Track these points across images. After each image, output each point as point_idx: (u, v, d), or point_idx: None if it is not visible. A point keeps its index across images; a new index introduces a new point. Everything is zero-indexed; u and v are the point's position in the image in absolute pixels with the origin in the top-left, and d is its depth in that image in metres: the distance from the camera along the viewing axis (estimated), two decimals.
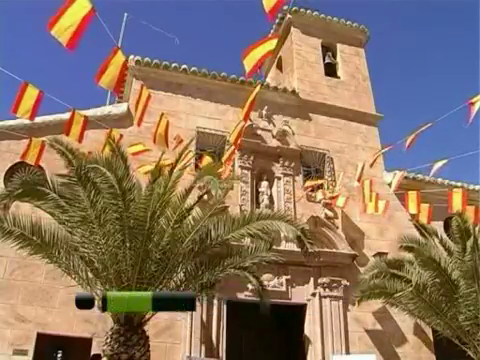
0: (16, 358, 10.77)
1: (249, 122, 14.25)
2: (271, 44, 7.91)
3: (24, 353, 10.87)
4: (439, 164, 10.54)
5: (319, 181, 14.43)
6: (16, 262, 11.15)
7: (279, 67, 18.67)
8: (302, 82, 16.41)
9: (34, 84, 8.47)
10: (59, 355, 9.91)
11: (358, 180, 13.36)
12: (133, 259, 7.54)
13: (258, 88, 8.72)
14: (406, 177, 14.40)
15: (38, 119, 11.82)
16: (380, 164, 15.71)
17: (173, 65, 14.88)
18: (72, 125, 9.34)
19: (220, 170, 10.67)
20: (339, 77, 17.47)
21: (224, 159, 11.89)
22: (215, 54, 38.69)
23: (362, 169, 13.23)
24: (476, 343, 10.76)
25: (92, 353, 9.74)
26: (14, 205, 9.21)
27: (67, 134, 9.16)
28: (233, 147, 11.59)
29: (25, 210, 8.57)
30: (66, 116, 9.69)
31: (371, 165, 13.74)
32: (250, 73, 7.99)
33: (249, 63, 7.77)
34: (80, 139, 9.35)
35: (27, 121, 9.96)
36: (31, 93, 8.32)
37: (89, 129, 11.04)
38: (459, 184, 15.47)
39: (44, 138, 9.86)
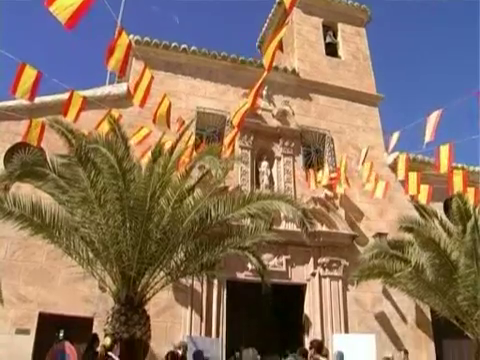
0: (19, 337, 10.87)
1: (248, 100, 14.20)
2: (282, 33, 8.03)
3: (26, 332, 10.98)
4: (444, 148, 10.42)
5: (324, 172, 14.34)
6: (17, 243, 11.19)
7: (279, 47, 18.50)
8: (302, 62, 16.30)
9: (33, 64, 8.41)
10: (61, 334, 9.99)
11: (362, 164, 13.29)
12: (133, 239, 7.55)
13: (265, 74, 8.67)
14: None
15: (37, 100, 11.73)
16: (381, 145, 15.68)
17: (173, 45, 14.78)
18: (70, 106, 9.28)
19: (224, 153, 10.69)
20: (340, 57, 17.36)
21: (227, 142, 11.90)
22: (215, 34, 38.40)
23: (366, 153, 13.12)
24: (474, 323, 10.84)
25: (93, 333, 9.81)
26: (14, 186, 9.20)
27: (65, 115, 9.10)
28: (236, 129, 11.58)
29: (25, 191, 8.55)
30: (65, 97, 9.63)
31: (389, 151, 13.51)
32: (270, 68, 8.15)
33: (268, 58, 7.95)
34: (76, 119, 9.30)
35: (26, 102, 9.90)
36: (29, 74, 8.24)
37: (89, 110, 10.98)
38: (460, 165, 15.44)
39: (44, 119, 9.82)
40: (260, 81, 8.93)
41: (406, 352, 12.80)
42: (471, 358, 11.83)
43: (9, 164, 7.83)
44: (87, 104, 9.83)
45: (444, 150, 10.13)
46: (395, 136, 10.84)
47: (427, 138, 9.79)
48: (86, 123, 9.64)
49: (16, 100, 11.40)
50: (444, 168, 10.25)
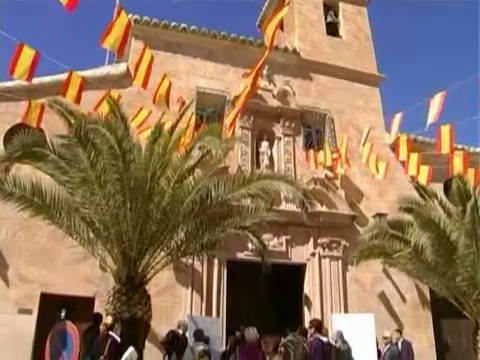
0: (21, 317, 10.97)
1: (249, 80, 14.11)
2: (283, 12, 7.96)
3: (29, 312, 11.07)
4: (445, 128, 10.35)
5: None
6: (18, 224, 11.22)
7: (280, 26, 18.32)
8: (303, 41, 16.16)
9: (31, 45, 8.34)
10: (63, 314, 10.05)
11: (363, 144, 13.24)
12: (134, 219, 7.57)
13: (267, 53, 8.63)
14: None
15: (36, 80, 11.68)
16: (381, 126, 15.63)
17: (172, 24, 14.64)
18: (69, 86, 9.23)
19: (225, 133, 10.67)
20: (341, 37, 17.20)
21: (228, 123, 11.89)
22: (215, 13, 38.04)
23: (368, 134, 13.05)
24: (472, 303, 10.91)
25: (94, 312, 9.88)
26: (15, 167, 9.21)
27: (64, 95, 9.06)
28: (237, 110, 11.56)
29: (26, 172, 8.55)
30: (64, 77, 9.57)
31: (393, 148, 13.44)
32: (271, 47, 8.22)
33: (268, 37, 7.96)
34: (77, 100, 9.25)
35: (25, 83, 9.85)
36: (27, 54, 8.17)
37: (88, 90, 10.92)
38: (460, 146, 15.40)
39: (43, 99, 9.78)
40: (261, 61, 8.87)
41: (399, 331, 12.89)
42: (469, 337, 11.96)
43: (9, 145, 7.81)
44: (86, 84, 9.78)
45: (445, 131, 10.08)
46: (397, 117, 10.76)
47: (430, 120, 9.70)
48: (85, 104, 9.58)
49: (15, 81, 11.32)
50: (446, 149, 10.22)
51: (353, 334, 10.80)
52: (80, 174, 7.62)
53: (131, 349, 6.71)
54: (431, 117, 9.73)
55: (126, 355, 6.65)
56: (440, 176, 13.52)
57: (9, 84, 12.09)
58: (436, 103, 9.67)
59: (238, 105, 10.09)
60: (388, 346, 11.29)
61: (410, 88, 39.36)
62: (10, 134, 11.18)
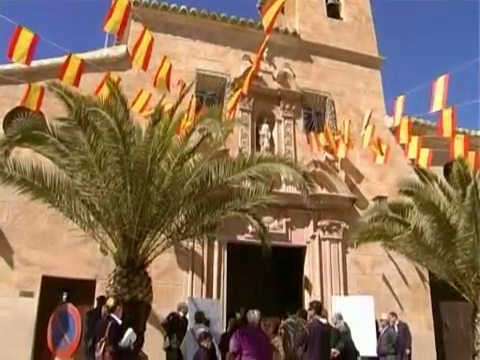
0: (23, 300, 11.06)
1: (249, 64, 14.05)
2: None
3: (30, 295, 11.16)
4: (447, 111, 10.27)
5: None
6: (19, 207, 11.25)
7: (280, 9, 18.15)
8: (304, 23, 16.04)
9: (29, 27, 8.27)
10: (64, 297, 10.14)
11: (366, 127, 13.14)
12: (134, 202, 7.57)
13: (268, 37, 8.56)
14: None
15: (35, 63, 11.61)
16: (382, 108, 15.59)
17: (172, 6, 14.52)
18: (67, 68, 9.16)
19: (227, 116, 10.64)
20: (342, 19, 17.06)
21: (230, 107, 11.86)
22: None
23: (370, 117, 12.97)
24: (471, 285, 10.96)
25: (99, 295, 9.93)
26: (15, 151, 9.15)
27: (61, 78, 9.00)
28: (239, 94, 11.55)
29: (26, 155, 8.53)
30: (63, 60, 9.51)
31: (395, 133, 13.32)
32: (269, 29, 8.10)
33: (268, 19, 7.93)
34: (76, 83, 9.20)
35: (24, 66, 9.78)
36: (26, 37, 8.09)
37: (87, 72, 10.85)
38: (461, 130, 15.35)
39: (42, 82, 9.73)
40: (263, 44, 8.82)
41: (394, 314, 12.99)
42: (467, 320, 12.05)
43: (8, 128, 7.78)
44: (85, 67, 9.71)
45: (447, 114, 10.01)
46: (400, 101, 10.66)
47: (437, 107, 9.57)
48: (85, 86, 9.53)
49: (13, 64, 11.25)
50: (447, 132, 10.17)
51: (353, 316, 10.88)
52: (80, 157, 7.60)
53: (130, 331, 6.75)
54: (438, 103, 9.59)
55: (125, 336, 6.70)
56: (440, 159, 13.51)
57: (8, 67, 12.03)
58: (440, 88, 9.55)
59: (241, 89, 10.03)
60: (386, 328, 11.40)
61: (410, 71, 39.13)
62: (10, 117, 11.16)
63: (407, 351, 12.38)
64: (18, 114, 8.16)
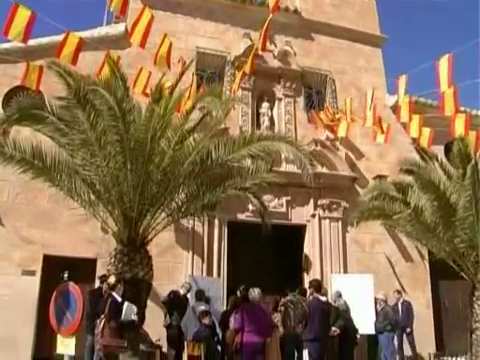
0: (25, 278, 11.13)
1: (250, 42, 13.94)
2: None
3: (32, 274, 11.22)
4: (449, 90, 10.18)
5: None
6: (19, 186, 11.25)
7: None
8: (305, 1, 15.82)
9: (26, 5, 8.17)
10: (65, 275, 10.19)
11: (370, 108, 12.94)
12: (134, 181, 7.57)
13: (271, 16, 8.48)
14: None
15: (33, 42, 11.51)
16: (383, 87, 15.49)
17: None
18: (64, 47, 9.07)
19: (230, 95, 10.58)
20: None
21: (235, 87, 11.83)
22: None
23: (372, 96, 12.78)
24: (470, 264, 11.03)
25: (100, 274, 9.99)
26: (14, 130, 9.17)
27: (58, 56, 8.92)
28: (242, 74, 11.51)
29: (25, 135, 8.52)
30: (61, 38, 9.42)
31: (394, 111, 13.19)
32: (274, 8, 8.25)
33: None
34: (74, 61, 9.13)
35: (22, 44, 9.70)
36: (23, 15, 8.00)
37: (86, 51, 10.77)
38: (462, 109, 15.26)
39: (41, 61, 9.65)
40: (267, 23, 8.77)
41: (399, 292, 13.12)
42: (465, 298, 12.13)
43: (7, 108, 7.75)
44: (84, 45, 9.63)
45: (449, 93, 9.94)
46: (402, 80, 10.57)
47: (443, 87, 9.48)
48: (84, 65, 9.47)
49: (11, 42, 11.14)
50: (449, 111, 10.11)
51: (352, 294, 10.97)
52: (80, 136, 7.59)
53: (126, 304, 6.81)
54: (443, 84, 9.48)
55: (124, 311, 6.76)
56: (441, 138, 13.47)
57: (6, 46, 11.91)
58: (444, 67, 9.45)
59: (244, 69, 9.97)
60: (382, 305, 11.51)
61: (411, 49, 38.82)
62: (9, 96, 11.10)
63: (408, 330, 12.57)
64: (17, 93, 8.09)
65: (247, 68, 10.02)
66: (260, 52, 13.24)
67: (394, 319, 11.06)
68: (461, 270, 11.19)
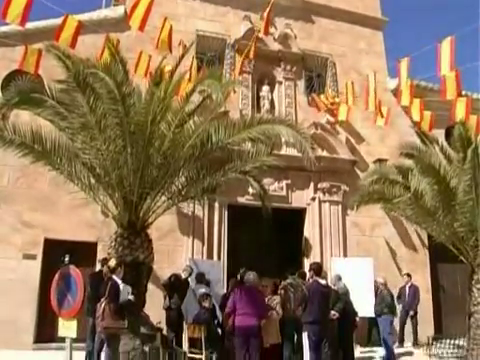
0: (26, 262, 11.18)
1: (250, 25, 13.85)
2: None
3: (33, 257, 11.28)
4: (451, 74, 10.10)
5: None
6: (19, 170, 11.26)
7: None
8: None
9: None
10: (66, 259, 10.22)
11: (375, 91, 12.77)
12: (134, 164, 7.55)
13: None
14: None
15: (31, 25, 11.44)
16: (384, 70, 15.41)
17: None
18: (63, 30, 9.01)
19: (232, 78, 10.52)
20: None
21: (236, 73, 11.76)
22: None
23: (375, 80, 12.68)
24: (469, 248, 11.07)
25: (101, 257, 10.02)
26: (14, 114, 9.14)
27: (57, 39, 8.86)
28: (244, 58, 11.47)
29: (25, 119, 8.49)
30: (60, 21, 9.35)
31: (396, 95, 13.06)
32: None
33: None
34: (72, 44, 9.07)
35: (20, 27, 9.63)
36: None
37: (86, 34, 10.72)
38: (463, 93, 15.19)
39: (40, 44, 9.59)
40: (269, 7, 8.69)
41: (409, 276, 13.21)
42: (464, 282, 12.20)
43: (6, 92, 7.70)
44: (83, 28, 9.57)
45: (451, 77, 9.88)
46: (404, 63, 10.49)
47: (445, 70, 9.39)
48: (83, 48, 9.42)
49: (9, 26, 11.06)
50: (451, 95, 10.06)
51: (352, 277, 11.01)
52: (80, 119, 7.55)
53: (122, 285, 6.85)
54: (445, 67, 9.39)
55: (121, 292, 6.80)
56: (441, 122, 13.45)
57: (4, 29, 11.82)
58: (446, 50, 9.36)
59: (252, 53, 9.92)
60: (380, 289, 11.59)
61: (410, 32, 38.56)
62: (7, 80, 11.04)
63: (411, 312, 12.72)
64: (16, 77, 8.03)
65: (251, 53, 9.99)
66: (260, 35, 13.19)
67: (390, 303, 11.14)
68: (460, 254, 11.23)
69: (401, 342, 12.83)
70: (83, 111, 7.44)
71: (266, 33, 10.07)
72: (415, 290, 12.94)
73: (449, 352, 11.66)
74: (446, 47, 9.33)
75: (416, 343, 12.75)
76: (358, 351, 11.20)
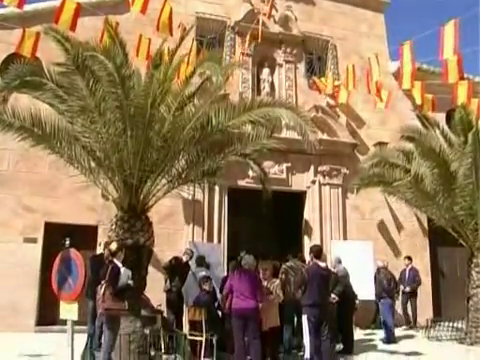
0: (27, 246, 11.22)
1: (250, 7, 13.73)
2: None
3: (34, 241, 11.31)
4: (453, 58, 9.97)
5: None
6: (19, 154, 11.24)
7: None
8: None
9: None
10: (67, 242, 10.25)
11: (379, 75, 12.49)
12: (134, 147, 7.53)
13: None
14: None
15: (29, 7, 11.36)
16: (385, 53, 15.29)
17: None
18: (62, 12, 8.92)
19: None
20: None
21: (239, 56, 11.67)
22: None
23: (377, 61, 12.47)
24: (469, 232, 11.12)
25: (105, 241, 10.04)
26: (13, 98, 9.08)
27: (56, 22, 8.77)
28: (249, 42, 11.41)
29: (24, 102, 8.44)
30: (59, 4, 9.26)
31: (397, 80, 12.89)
32: None
33: None
34: (72, 27, 8.98)
35: (18, 10, 9.54)
36: None
37: (85, 16, 10.63)
38: (464, 76, 15.07)
39: (39, 27, 9.50)
40: None
41: (409, 259, 13.28)
42: (463, 265, 12.28)
43: (5, 75, 7.64)
44: (82, 11, 9.48)
45: (452, 60, 9.78)
46: (407, 46, 10.35)
47: (448, 53, 9.26)
48: (83, 30, 9.33)
49: (7, 8, 10.95)
50: (453, 78, 9.97)
51: (352, 260, 11.05)
52: (79, 102, 7.51)
53: (122, 269, 6.87)
54: (448, 50, 9.24)
55: (122, 275, 6.82)
56: (442, 106, 13.38)
57: (2, 12, 11.73)
58: (449, 34, 9.22)
59: (255, 35, 9.84)
60: (380, 272, 11.66)
61: (411, 16, 38.24)
62: (6, 64, 10.96)
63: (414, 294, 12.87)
64: (14, 60, 7.96)
65: (258, 37, 9.94)
66: (261, 17, 13.08)
67: (386, 287, 11.22)
68: (460, 237, 11.29)
69: (408, 324, 12.95)
70: (82, 94, 7.39)
71: (269, 16, 9.99)
72: (414, 273, 13.03)
73: (448, 334, 11.75)
74: (449, 30, 9.20)
75: (415, 325, 12.84)
76: (358, 334, 11.27)
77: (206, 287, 8.97)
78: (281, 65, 14.24)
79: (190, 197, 12.10)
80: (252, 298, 7.85)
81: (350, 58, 14.52)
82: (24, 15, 11.40)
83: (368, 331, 12.33)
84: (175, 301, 9.71)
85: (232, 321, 8.01)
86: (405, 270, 13.06)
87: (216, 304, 9.44)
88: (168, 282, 9.88)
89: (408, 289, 12.82)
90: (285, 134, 13.09)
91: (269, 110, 7.87)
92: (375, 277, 11.67)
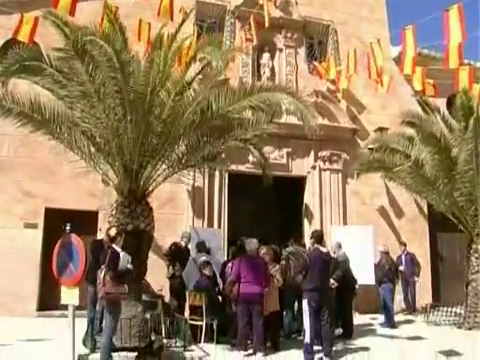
0: (27, 231, 11.27)
1: None
2: None
3: (34, 226, 11.36)
4: (454, 44, 9.86)
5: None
6: (19, 140, 11.24)
7: None
8: None
9: None
10: (67, 228, 10.24)
11: (383, 60, 12.35)
12: (134, 132, 7.50)
13: None
14: None
15: None
16: (386, 38, 15.18)
17: None
18: None
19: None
20: None
21: (240, 43, 11.56)
22: None
23: (379, 46, 12.34)
24: (469, 218, 11.14)
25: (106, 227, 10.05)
26: (12, 83, 9.02)
27: (55, 6, 8.69)
28: (252, 26, 11.32)
29: (23, 88, 8.39)
30: None
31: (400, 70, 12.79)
32: None
33: None
34: (71, 12, 8.89)
35: None
36: None
37: (84, 1, 10.55)
38: (466, 61, 14.99)
39: (37, 11, 9.42)
40: None
41: (404, 244, 13.32)
42: (462, 251, 12.33)
43: (4, 60, 7.60)
44: None
45: (454, 45, 9.69)
46: (410, 31, 10.24)
47: (455, 38, 9.13)
48: (82, 15, 9.27)
49: None
50: (454, 64, 9.90)
51: (352, 245, 11.07)
52: (79, 88, 7.47)
53: (122, 254, 6.88)
54: (455, 35, 9.06)
55: (121, 260, 6.83)
56: (443, 91, 13.32)
57: None
58: (454, 18, 9.08)
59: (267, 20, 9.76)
60: (380, 258, 11.71)
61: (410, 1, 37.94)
62: (4, 49, 10.90)
63: (412, 279, 12.89)
64: (13, 45, 7.91)
65: (266, 22, 9.91)
66: (261, 1, 12.96)
67: (387, 272, 11.29)
68: (460, 223, 11.31)
69: (408, 309, 13.02)
70: (82, 79, 7.35)
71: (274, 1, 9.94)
72: (412, 258, 13.06)
73: (447, 319, 11.83)
74: (454, 15, 9.07)
75: (414, 310, 12.92)
76: (358, 318, 11.33)
77: (206, 272, 9.01)
78: (281, 50, 14.16)
79: (190, 182, 12.09)
80: (259, 284, 7.99)
81: (351, 43, 14.42)
82: (22, 0, 11.29)
83: (367, 316, 12.39)
84: (178, 287, 9.72)
85: (238, 306, 8.10)
86: (401, 256, 13.10)
87: (216, 289, 9.48)
88: (171, 268, 9.90)
89: (416, 279, 12.90)
90: (285, 119, 13.02)
91: (269, 95, 7.85)
92: (378, 263, 11.71)
